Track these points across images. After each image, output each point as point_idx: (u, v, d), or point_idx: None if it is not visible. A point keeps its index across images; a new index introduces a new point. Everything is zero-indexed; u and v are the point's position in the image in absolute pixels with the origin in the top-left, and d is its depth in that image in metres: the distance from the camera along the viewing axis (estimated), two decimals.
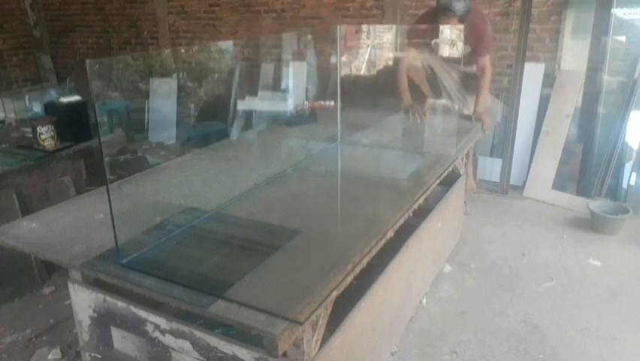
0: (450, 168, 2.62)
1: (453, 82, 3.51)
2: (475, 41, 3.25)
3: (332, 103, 3.57)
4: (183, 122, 5.67)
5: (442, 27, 3.14)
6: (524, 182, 4.13)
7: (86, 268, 1.66)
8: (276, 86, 5.44)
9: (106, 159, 1.88)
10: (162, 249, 1.76)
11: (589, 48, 4.06)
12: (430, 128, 3.16)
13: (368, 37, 4.88)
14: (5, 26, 6.75)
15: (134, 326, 1.72)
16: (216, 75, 5.77)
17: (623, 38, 4.00)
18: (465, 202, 3.52)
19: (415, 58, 3.44)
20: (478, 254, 3.21)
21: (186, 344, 1.61)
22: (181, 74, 5.86)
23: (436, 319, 2.60)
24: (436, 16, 3.10)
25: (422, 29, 3.33)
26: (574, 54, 4.13)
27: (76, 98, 3.42)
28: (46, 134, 2.98)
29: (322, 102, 4.20)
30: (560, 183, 4.00)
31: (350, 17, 5.06)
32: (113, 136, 3.97)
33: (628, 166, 3.82)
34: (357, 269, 1.65)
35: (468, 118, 3.33)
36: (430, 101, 3.50)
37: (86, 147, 3.17)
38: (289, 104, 5.22)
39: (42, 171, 3.00)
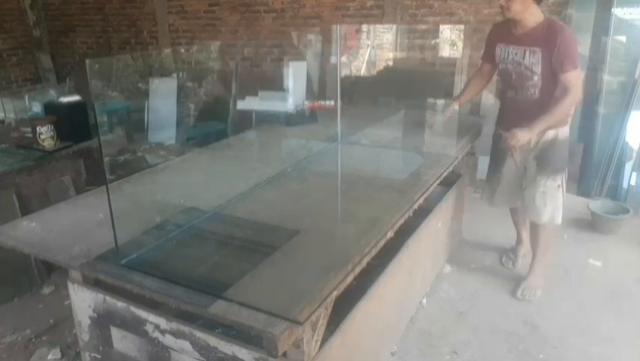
0: (450, 168, 2.62)
1: None
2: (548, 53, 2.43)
3: (332, 103, 3.57)
4: (183, 122, 5.65)
5: (441, 27, 3.11)
6: None
7: (85, 268, 1.66)
8: (276, 85, 5.43)
9: (106, 159, 1.88)
10: (162, 249, 1.76)
11: (589, 48, 4.06)
12: (430, 128, 3.16)
13: (368, 38, 4.88)
14: (5, 26, 6.74)
15: (134, 326, 1.71)
16: (216, 75, 5.76)
17: (623, 38, 4.00)
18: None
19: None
20: (478, 254, 3.21)
21: (186, 344, 1.61)
22: (181, 74, 5.85)
23: (436, 319, 2.60)
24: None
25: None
26: None
27: (76, 98, 3.42)
28: (45, 134, 2.98)
29: (322, 102, 4.20)
30: None
31: (350, 17, 5.05)
32: (113, 136, 3.96)
33: (628, 166, 3.82)
34: (357, 269, 1.64)
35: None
36: None
37: (85, 147, 3.17)
38: (289, 104, 5.21)
39: (42, 171, 2.99)
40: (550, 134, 2.57)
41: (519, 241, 3.13)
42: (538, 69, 2.45)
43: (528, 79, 2.51)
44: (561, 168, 2.61)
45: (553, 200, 2.62)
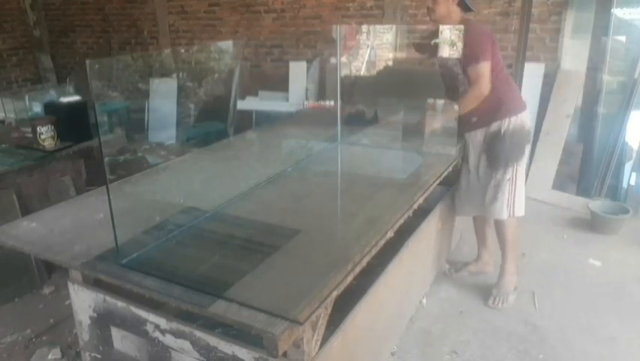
0: (450, 168, 2.62)
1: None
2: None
3: (332, 103, 3.57)
4: (183, 122, 5.66)
5: (441, 27, 3.09)
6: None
7: (85, 268, 1.66)
8: (276, 85, 5.44)
9: (106, 159, 1.87)
10: (162, 249, 1.76)
11: (589, 48, 4.06)
12: (430, 128, 3.15)
13: (368, 38, 4.88)
14: (5, 26, 6.75)
15: (134, 326, 1.72)
16: (216, 75, 5.77)
17: (623, 38, 4.01)
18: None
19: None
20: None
21: (186, 344, 1.61)
22: (181, 74, 5.86)
23: (436, 319, 2.60)
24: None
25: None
26: (574, 54, 4.14)
27: (76, 98, 3.42)
28: (46, 134, 2.98)
29: (322, 102, 4.20)
30: (560, 183, 4.00)
31: (350, 17, 5.06)
32: (113, 136, 3.96)
33: (628, 166, 3.82)
34: (357, 269, 1.65)
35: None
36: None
37: (85, 147, 3.17)
38: (289, 104, 5.22)
39: (42, 171, 2.99)
40: (494, 126, 2.55)
41: (478, 256, 3.02)
42: (459, 69, 2.54)
43: (455, 80, 2.59)
44: (511, 161, 2.54)
45: (504, 194, 2.58)
